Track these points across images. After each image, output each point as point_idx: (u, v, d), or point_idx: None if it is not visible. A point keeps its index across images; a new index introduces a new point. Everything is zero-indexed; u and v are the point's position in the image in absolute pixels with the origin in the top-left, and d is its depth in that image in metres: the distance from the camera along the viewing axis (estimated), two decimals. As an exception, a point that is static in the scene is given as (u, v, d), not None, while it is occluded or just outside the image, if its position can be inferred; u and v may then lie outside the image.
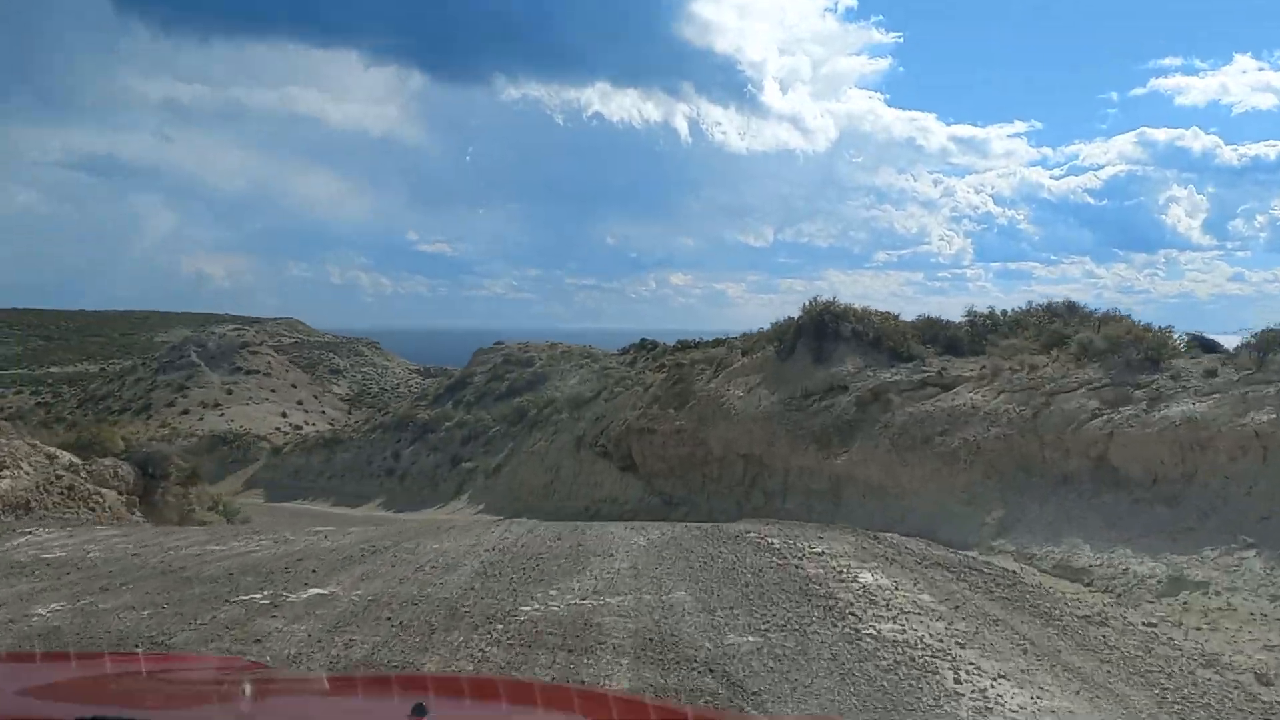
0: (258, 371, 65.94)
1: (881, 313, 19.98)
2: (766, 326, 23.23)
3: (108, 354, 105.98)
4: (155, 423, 60.67)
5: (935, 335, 18.87)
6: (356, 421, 56.04)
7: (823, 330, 19.54)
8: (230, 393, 64.08)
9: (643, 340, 46.93)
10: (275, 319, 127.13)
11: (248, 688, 2.24)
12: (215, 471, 52.15)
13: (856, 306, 19.96)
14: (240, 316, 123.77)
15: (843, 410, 16.91)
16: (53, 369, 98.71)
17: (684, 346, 31.02)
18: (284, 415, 63.45)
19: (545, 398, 42.26)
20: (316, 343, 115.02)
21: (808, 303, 20.37)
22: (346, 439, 50.27)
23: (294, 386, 67.48)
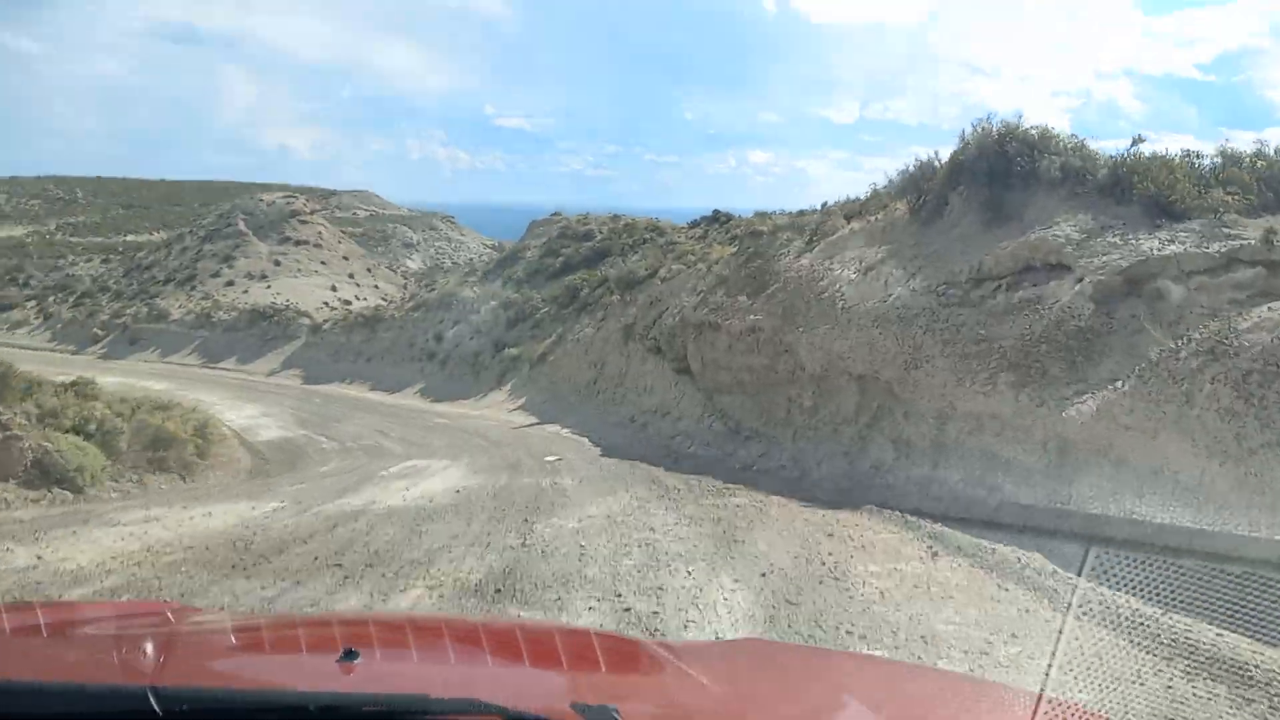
0: (308, 242, 58.68)
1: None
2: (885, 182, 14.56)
3: (186, 223, 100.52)
4: (198, 294, 54.35)
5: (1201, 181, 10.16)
6: (401, 298, 48.91)
7: (1004, 169, 10.93)
8: (278, 264, 57.24)
9: (715, 212, 38.18)
10: (351, 191, 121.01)
11: (149, 644, 1.88)
12: (255, 348, 45.75)
13: (1057, 130, 11.22)
14: (317, 188, 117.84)
15: (1067, 309, 8.52)
16: (128, 237, 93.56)
17: (764, 217, 22.12)
18: (333, 289, 56.63)
19: (599, 276, 34.15)
20: (391, 216, 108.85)
21: (975, 128, 11.68)
22: (388, 317, 43.07)
23: (345, 259, 60.28)
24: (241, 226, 58.36)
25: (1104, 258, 8.73)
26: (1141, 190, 9.35)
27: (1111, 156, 10.68)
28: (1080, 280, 8.69)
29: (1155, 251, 8.47)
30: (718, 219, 36.61)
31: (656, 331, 20.22)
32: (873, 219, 13.90)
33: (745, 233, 17.11)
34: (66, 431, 13.42)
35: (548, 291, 37.34)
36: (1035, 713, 1.39)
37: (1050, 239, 9.42)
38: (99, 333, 50.27)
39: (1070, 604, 5.27)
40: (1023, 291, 9.21)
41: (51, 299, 55.30)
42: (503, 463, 14.69)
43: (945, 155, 12.76)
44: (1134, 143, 10.53)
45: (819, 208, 18.40)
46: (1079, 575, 5.78)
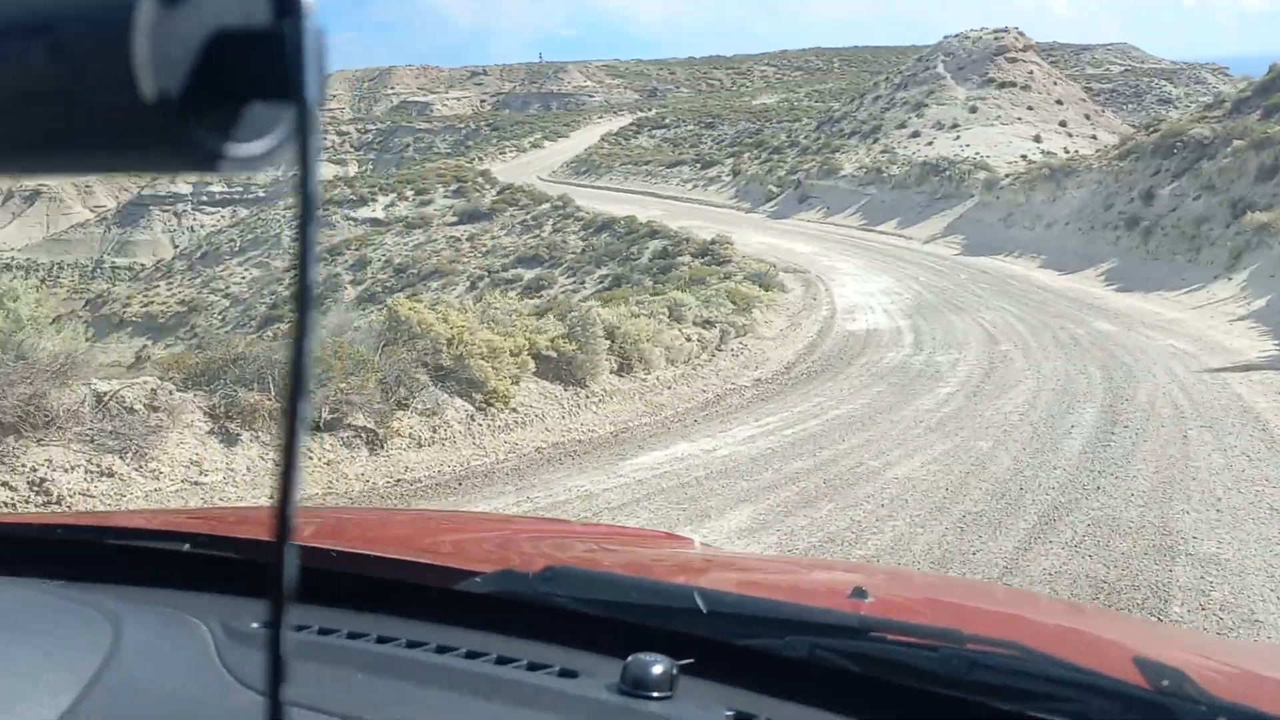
0: (1014, 84, 45.62)
1: None
2: None
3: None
4: (878, 148, 45.83)
5: None
6: (1105, 147, 34.17)
7: None
8: (974, 110, 45.66)
9: None
10: (1106, 45, 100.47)
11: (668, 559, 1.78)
12: (919, 209, 36.06)
13: None
14: (1067, 44, 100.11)
15: None
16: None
17: None
18: (1036, 139, 43.44)
19: None
20: (1150, 69, 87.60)
21: None
22: (1083, 169, 29.66)
23: (1060, 103, 45.86)
24: (939, 69, 47.72)
25: None
26: None
27: None
28: None
29: None
30: None
31: None
32: None
33: None
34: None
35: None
36: None
37: None
38: (773, 190, 45.07)
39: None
40: None
41: (746, 155, 51.86)
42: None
43: None
44: None
45: None
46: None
